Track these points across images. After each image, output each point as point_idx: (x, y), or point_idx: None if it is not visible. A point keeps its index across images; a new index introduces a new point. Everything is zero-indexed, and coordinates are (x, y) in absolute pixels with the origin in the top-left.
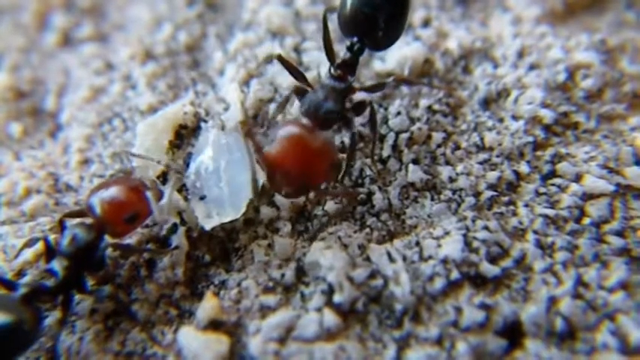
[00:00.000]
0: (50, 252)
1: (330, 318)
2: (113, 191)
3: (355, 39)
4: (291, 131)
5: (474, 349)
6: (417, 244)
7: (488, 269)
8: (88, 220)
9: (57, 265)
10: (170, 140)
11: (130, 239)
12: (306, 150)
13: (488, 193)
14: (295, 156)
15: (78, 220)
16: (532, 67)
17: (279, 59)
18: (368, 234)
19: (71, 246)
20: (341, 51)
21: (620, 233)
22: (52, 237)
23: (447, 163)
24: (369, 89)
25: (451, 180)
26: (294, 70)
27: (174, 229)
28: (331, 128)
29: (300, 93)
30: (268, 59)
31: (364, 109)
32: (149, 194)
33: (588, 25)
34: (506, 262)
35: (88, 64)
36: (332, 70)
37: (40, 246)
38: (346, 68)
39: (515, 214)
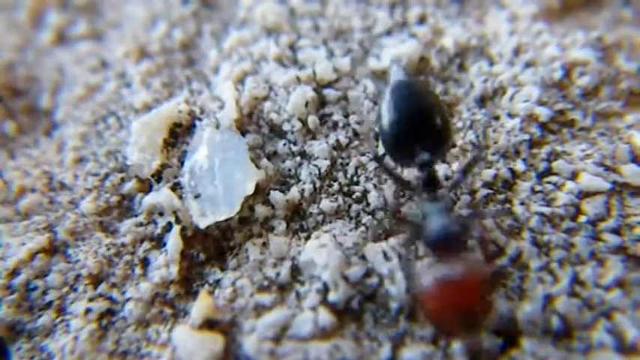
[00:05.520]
0: None
1: (325, 317)
2: None
3: (420, 150)
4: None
5: (469, 347)
6: None
7: None
8: None
9: None
10: (164, 138)
11: (125, 237)
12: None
13: (484, 191)
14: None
15: None
16: (528, 64)
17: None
18: (363, 232)
19: None
20: None
21: (616, 231)
22: None
23: (443, 160)
24: (464, 172)
25: (447, 178)
26: (398, 178)
27: (168, 227)
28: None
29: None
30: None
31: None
32: None
33: (585, 23)
34: (502, 261)
35: (83, 62)
36: (425, 198)
37: (34, 244)
38: (432, 186)
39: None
